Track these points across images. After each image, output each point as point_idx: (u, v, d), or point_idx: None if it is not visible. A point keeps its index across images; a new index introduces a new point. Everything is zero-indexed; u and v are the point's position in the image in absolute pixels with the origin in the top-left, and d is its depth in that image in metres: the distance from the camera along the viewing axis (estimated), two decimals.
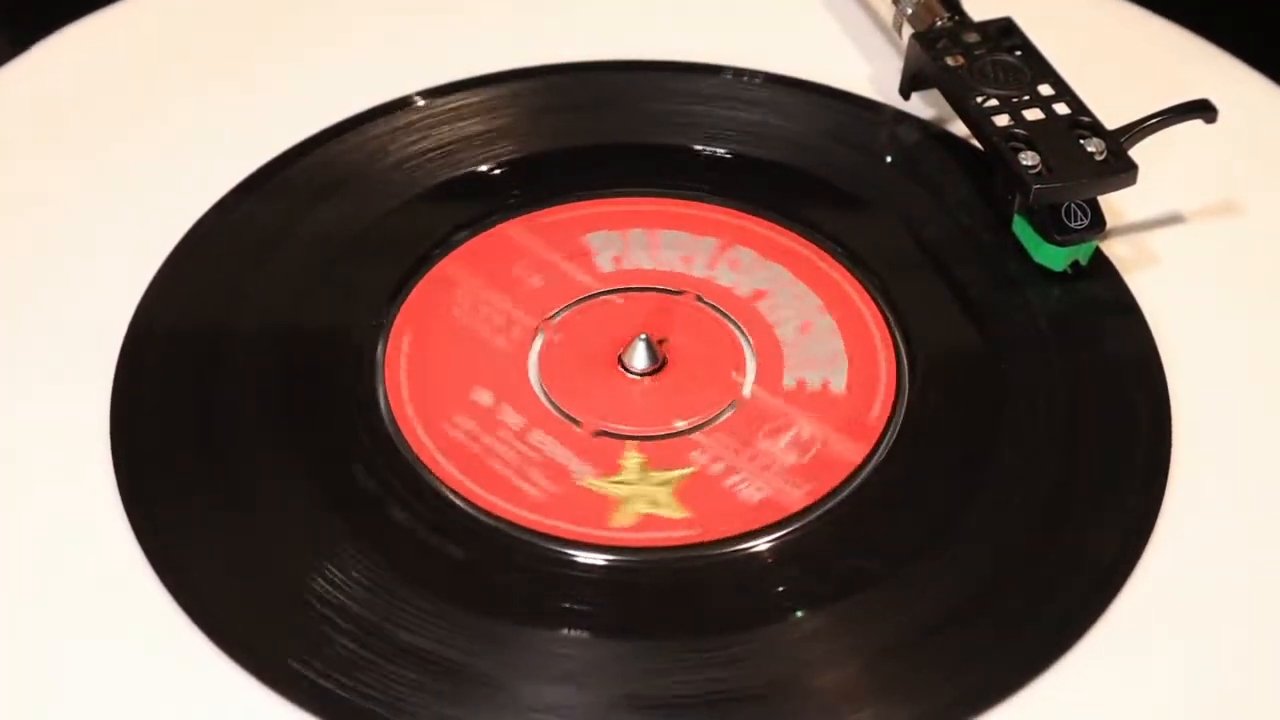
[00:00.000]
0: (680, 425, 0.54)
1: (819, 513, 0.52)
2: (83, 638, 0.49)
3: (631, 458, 0.53)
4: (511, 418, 0.55)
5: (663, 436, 0.54)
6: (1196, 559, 0.52)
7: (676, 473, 0.53)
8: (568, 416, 0.55)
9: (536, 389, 0.55)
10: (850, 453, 0.54)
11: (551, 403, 0.55)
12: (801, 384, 0.56)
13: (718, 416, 0.55)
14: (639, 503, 0.52)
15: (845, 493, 0.53)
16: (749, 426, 0.55)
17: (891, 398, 0.55)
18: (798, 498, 0.52)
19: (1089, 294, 0.58)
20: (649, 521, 0.52)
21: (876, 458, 0.54)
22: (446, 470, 0.53)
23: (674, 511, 0.52)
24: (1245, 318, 0.59)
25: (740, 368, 0.56)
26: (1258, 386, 0.56)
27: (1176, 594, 0.51)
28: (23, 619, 0.50)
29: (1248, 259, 0.61)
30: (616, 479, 0.53)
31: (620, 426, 0.54)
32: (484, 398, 0.55)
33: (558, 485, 0.53)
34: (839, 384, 0.56)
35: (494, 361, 0.56)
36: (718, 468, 0.53)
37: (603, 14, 0.69)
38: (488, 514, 0.52)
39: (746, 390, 0.56)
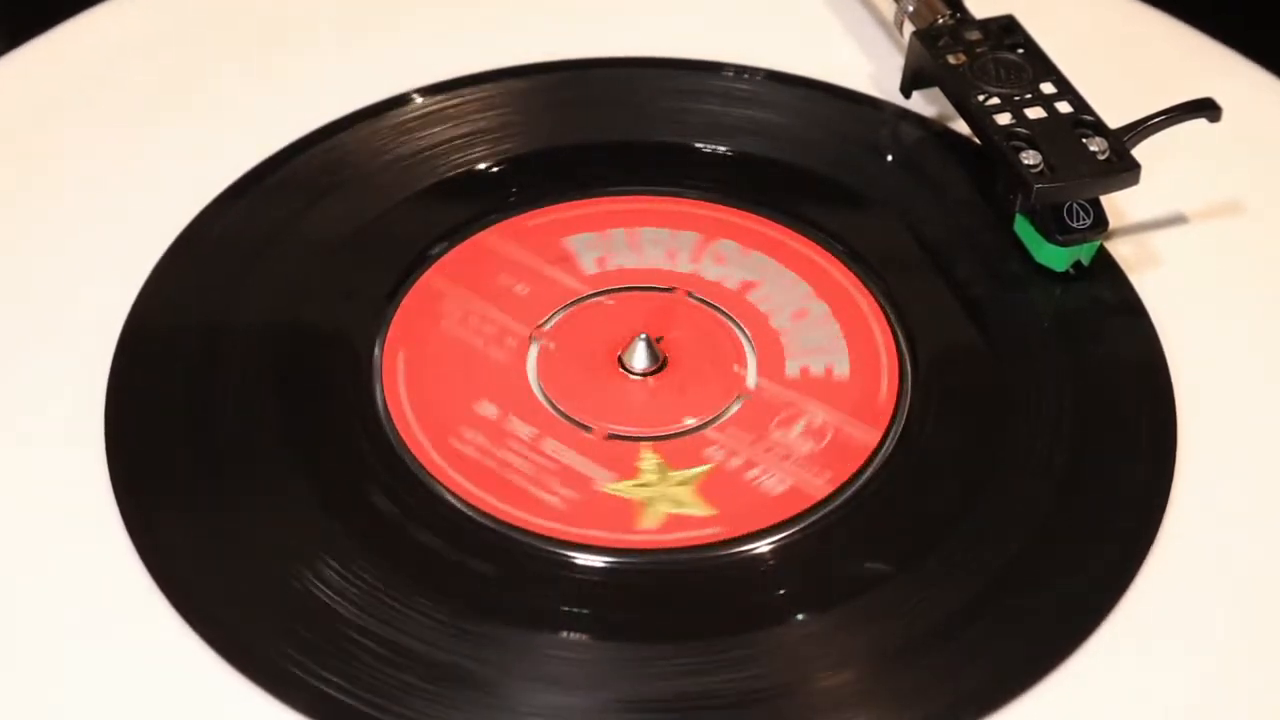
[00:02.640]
0: (690, 423, 0.54)
1: (819, 515, 0.52)
2: (76, 638, 0.49)
3: (649, 459, 0.53)
4: (513, 422, 0.54)
5: (674, 435, 0.54)
6: (1203, 559, 0.51)
7: (695, 470, 0.53)
8: (568, 418, 0.54)
9: (535, 389, 0.55)
10: (851, 455, 0.54)
11: (551, 403, 0.55)
12: (803, 377, 0.55)
13: (726, 411, 0.55)
14: (663, 504, 0.52)
15: (847, 494, 0.53)
16: (760, 418, 0.54)
17: (893, 401, 0.55)
18: (821, 485, 0.53)
19: (1092, 294, 0.58)
20: (674, 522, 0.51)
21: (875, 462, 0.53)
22: (445, 471, 0.53)
23: (699, 509, 0.52)
24: (1250, 317, 0.59)
25: (741, 362, 0.56)
26: (1263, 386, 0.56)
27: (1182, 595, 0.50)
28: (16, 619, 0.49)
29: (1252, 258, 0.60)
30: (637, 482, 0.53)
31: (626, 428, 0.54)
32: (482, 398, 0.55)
33: (569, 489, 0.53)
34: (840, 380, 0.55)
35: (492, 361, 0.56)
36: (736, 462, 0.53)
37: (601, 12, 0.69)
38: (486, 514, 0.52)
39: (751, 382, 0.55)
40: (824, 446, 0.54)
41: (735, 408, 0.55)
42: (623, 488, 0.52)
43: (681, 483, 0.52)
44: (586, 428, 0.54)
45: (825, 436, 0.54)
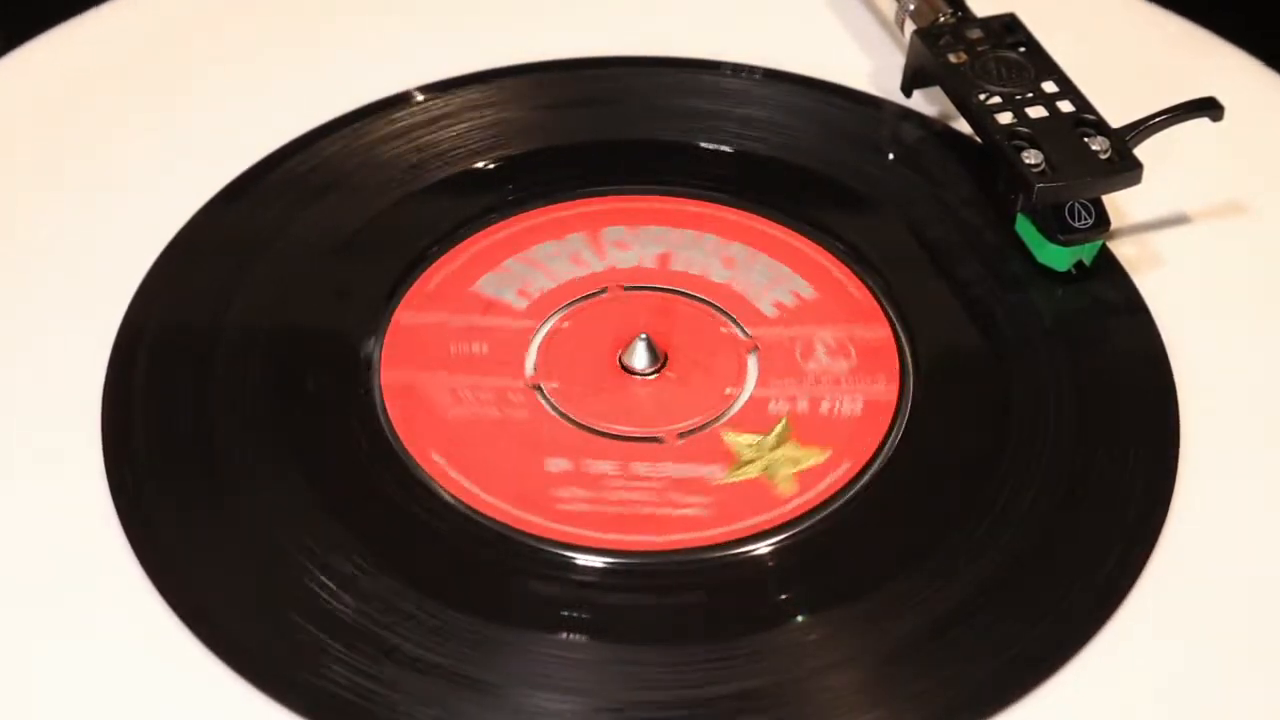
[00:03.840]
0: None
1: (820, 516, 0.52)
2: (74, 638, 0.49)
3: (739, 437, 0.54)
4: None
5: (701, 425, 0.54)
6: (1206, 559, 0.51)
7: (780, 426, 0.54)
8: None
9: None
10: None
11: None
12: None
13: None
14: (784, 467, 0.53)
15: (848, 495, 0.52)
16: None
17: (895, 398, 0.55)
18: (885, 390, 0.54)
19: (1094, 294, 0.58)
20: (808, 478, 0.52)
21: (884, 454, 0.53)
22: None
23: (816, 457, 0.53)
24: (1253, 316, 0.58)
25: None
26: (1267, 385, 0.56)
27: (1186, 596, 0.50)
28: (11, 620, 0.49)
29: (1254, 258, 0.60)
30: (749, 457, 0.53)
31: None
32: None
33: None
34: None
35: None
36: (803, 405, 0.54)
37: (601, 10, 0.69)
38: (486, 515, 0.51)
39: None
40: (857, 359, 0.55)
41: (736, 407, 0.54)
42: (737, 474, 0.53)
43: (779, 444, 0.53)
44: (577, 422, 0.54)
45: (850, 351, 0.55)
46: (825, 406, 0.55)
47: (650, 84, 0.65)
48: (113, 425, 0.53)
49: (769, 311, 0.57)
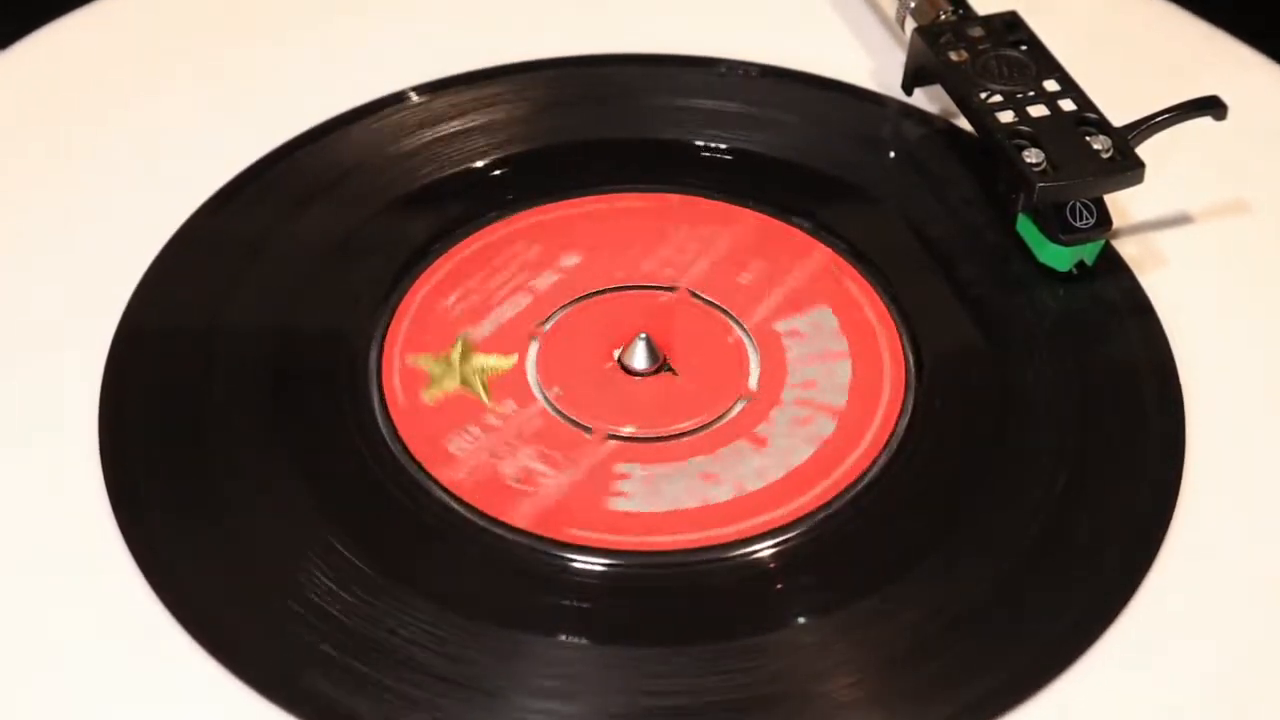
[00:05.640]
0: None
1: (822, 516, 0.52)
2: (70, 641, 0.49)
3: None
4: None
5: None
6: (1212, 561, 0.51)
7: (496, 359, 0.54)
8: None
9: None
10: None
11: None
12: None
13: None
14: (478, 375, 0.54)
15: (849, 496, 0.52)
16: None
17: (897, 399, 0.55)
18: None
19: (1096, 294, 0.58)
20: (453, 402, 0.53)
21: (881, 461, 0.53)
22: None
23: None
24: (1258, 315, 0.58)
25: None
26: (1273, 384, 0.56)
27: (1190, 599, 0.50)
28: (9, 621, 0.49)
29: (1258, 257, 0.60)
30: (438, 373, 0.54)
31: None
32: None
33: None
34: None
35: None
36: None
37: (599, 8, 0.68)
38: (485, 516, 0.51)
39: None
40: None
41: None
42: (422, 360, 0.54)
43: (464, 358, 0.54)
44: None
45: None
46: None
47: (648, 82, 0.65)
48: (110, 426, 0.53)
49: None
